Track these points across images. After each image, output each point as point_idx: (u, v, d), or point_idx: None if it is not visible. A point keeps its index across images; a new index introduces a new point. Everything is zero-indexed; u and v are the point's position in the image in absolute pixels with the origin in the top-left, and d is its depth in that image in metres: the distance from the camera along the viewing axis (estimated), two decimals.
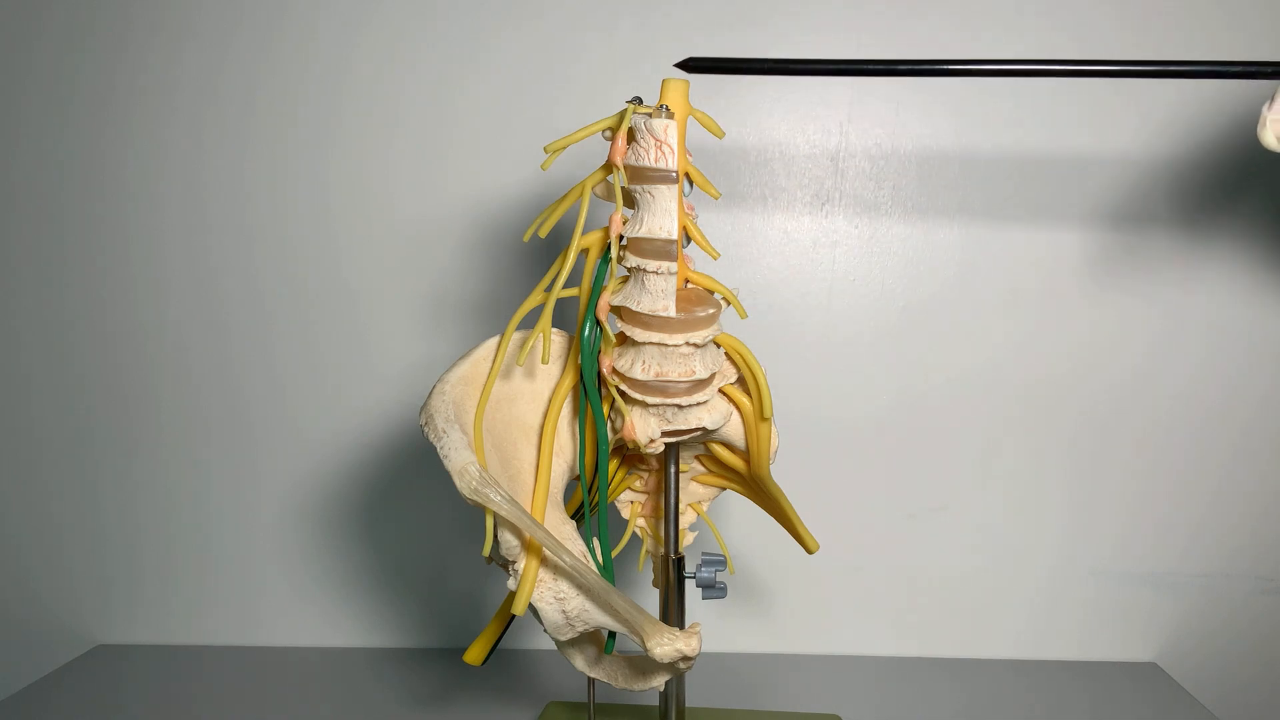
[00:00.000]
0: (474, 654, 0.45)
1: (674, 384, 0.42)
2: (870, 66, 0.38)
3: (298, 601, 0.77)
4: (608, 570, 0.45)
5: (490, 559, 0.42)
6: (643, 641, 0.40)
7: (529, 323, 0.44)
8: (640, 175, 0.40)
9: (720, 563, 0.52)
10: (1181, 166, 0.66)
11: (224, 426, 0.74)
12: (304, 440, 0.74)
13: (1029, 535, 0.72)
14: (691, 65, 0.40)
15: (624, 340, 0.43)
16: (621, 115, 0.40)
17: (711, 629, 0.74)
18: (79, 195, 0.71)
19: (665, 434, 0.44)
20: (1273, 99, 0.34)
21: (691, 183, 0.42)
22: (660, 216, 0.41)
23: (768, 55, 0.66)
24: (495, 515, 0.39)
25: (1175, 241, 0.67)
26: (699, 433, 0.44)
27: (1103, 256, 0.68)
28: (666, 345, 0.41)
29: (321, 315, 0.72)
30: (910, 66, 0.38)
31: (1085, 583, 0.73)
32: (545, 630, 0.42)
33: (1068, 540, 0.72)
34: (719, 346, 0.44)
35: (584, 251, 0.42)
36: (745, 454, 0.47)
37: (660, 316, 0.41)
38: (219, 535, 0.76)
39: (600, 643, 0.49)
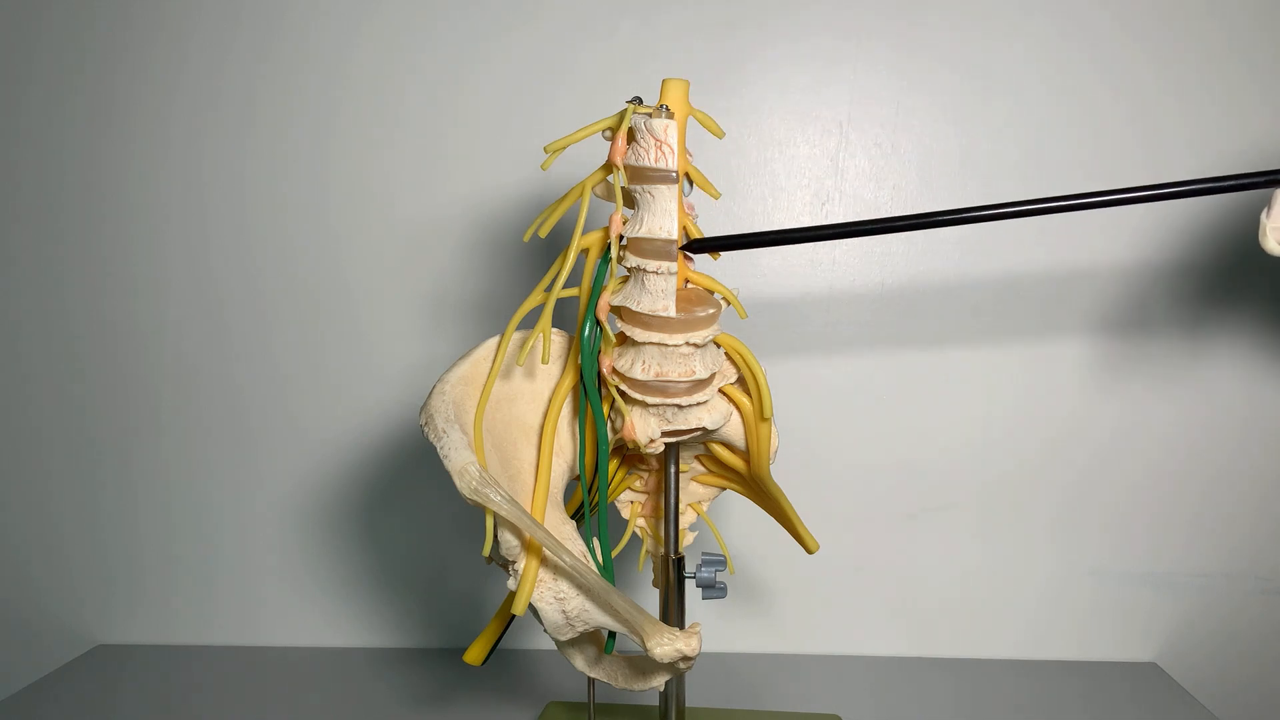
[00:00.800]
0: (474, 654, 0.45)
1: (674, 384, 0.42)
2: (865, 227, 0.39)
3: (298, 601, 0.77)
4: (608, 570, 0.45)
5: (490, 559, 0.42)
6: (643, 641, 0.40)
7: (529, 323, 0.44)
8: (640, 175, 0.40)
9: (720, 563, 0.52)
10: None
11: (224, 426, 0.74)
12: (304, 440, 0.74)
13: (1029, 535, 0.72)
14: (693, 247, 0.41)
15: (624, 340, 0.43)
16: (621, 115, 0.40)
17: (711, 629, 0.74)
18: (79, 195, 0.71)
19: (665, 434, 0.44)
20: (1270, 207, 0.34)
21: (691, 183, 0.42)
22: (660, 216, 0.41)
23: (767, 55, 0.66)
24: (495, 515, 0.39)
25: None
26: (699, 433, 0.44)
27: (1103, 258, 0.68)
28: (666, 345, 0.41)
29: (321, 315, 0.72)
30: (908, 221, 0.38)
31: (1085, 583, 0.73)
32: (545, 630, 0.42)
33: (1067, 540, 0.72)
34: (719, 346, 0.44)
35: (584, 251, 0.42)
36: (745, 454, 0.47)
37: (660, 316, 0.41)
38: (219, 535, 0.76)
39: (600, 643, 0.49)
